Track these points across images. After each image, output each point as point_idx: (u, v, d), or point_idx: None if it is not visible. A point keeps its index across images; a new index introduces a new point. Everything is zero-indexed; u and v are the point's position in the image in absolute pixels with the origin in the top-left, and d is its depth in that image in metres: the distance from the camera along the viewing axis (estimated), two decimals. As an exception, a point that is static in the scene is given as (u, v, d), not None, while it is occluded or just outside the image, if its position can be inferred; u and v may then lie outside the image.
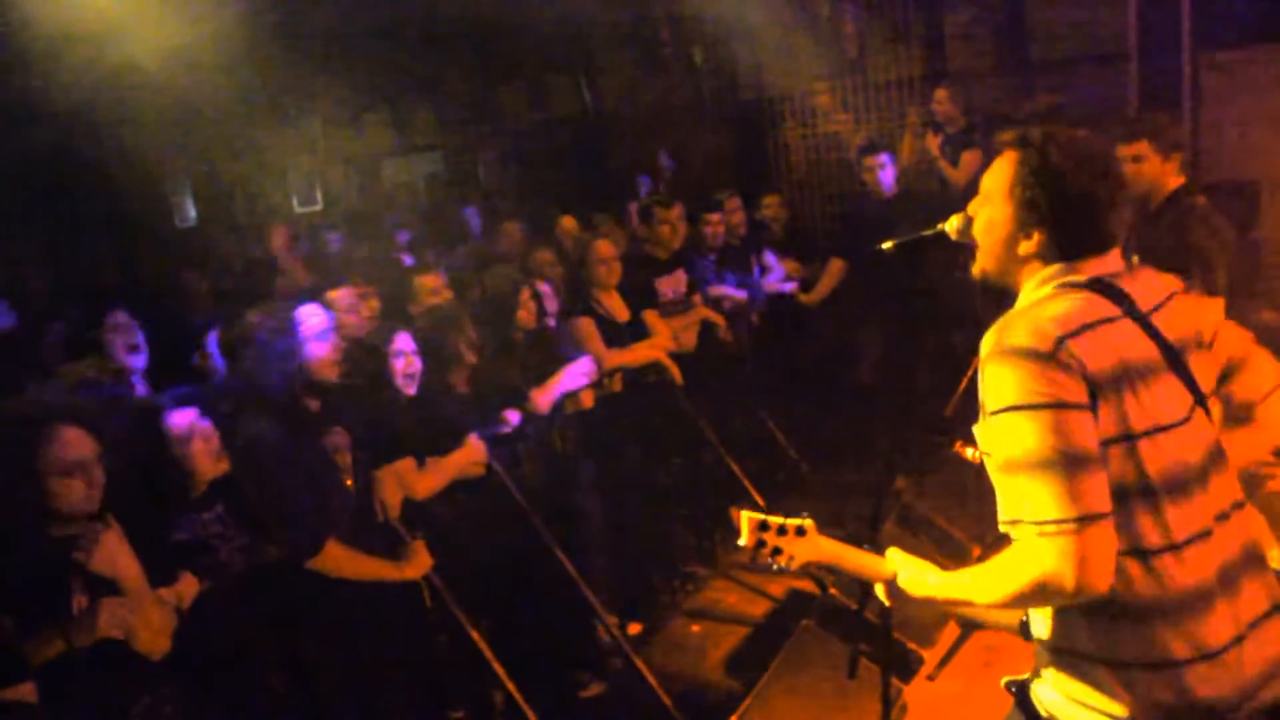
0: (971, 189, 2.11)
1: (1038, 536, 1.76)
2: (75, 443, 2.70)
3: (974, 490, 5.23)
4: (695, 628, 5.04)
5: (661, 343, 5.35)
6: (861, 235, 5.92)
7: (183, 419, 3.18)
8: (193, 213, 11.57)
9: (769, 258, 6.59)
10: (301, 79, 8.77)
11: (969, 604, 1.96)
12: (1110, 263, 1.95)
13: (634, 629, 4.89)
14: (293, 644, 3.39)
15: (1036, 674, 2.01)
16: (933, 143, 6.88)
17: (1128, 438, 1.81)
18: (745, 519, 2.25)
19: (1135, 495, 1.81)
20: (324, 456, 3.59)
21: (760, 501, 5.39)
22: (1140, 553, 1.82)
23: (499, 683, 3.86)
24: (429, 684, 3.97)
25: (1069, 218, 1.91)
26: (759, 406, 6.25)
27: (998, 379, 1.82)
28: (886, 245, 2.68)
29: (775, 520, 2.23)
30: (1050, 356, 1.78)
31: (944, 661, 3.29)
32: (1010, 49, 7.89)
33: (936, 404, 4.94)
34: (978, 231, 2.06)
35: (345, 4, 8.26)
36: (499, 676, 3.84)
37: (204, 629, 3.01)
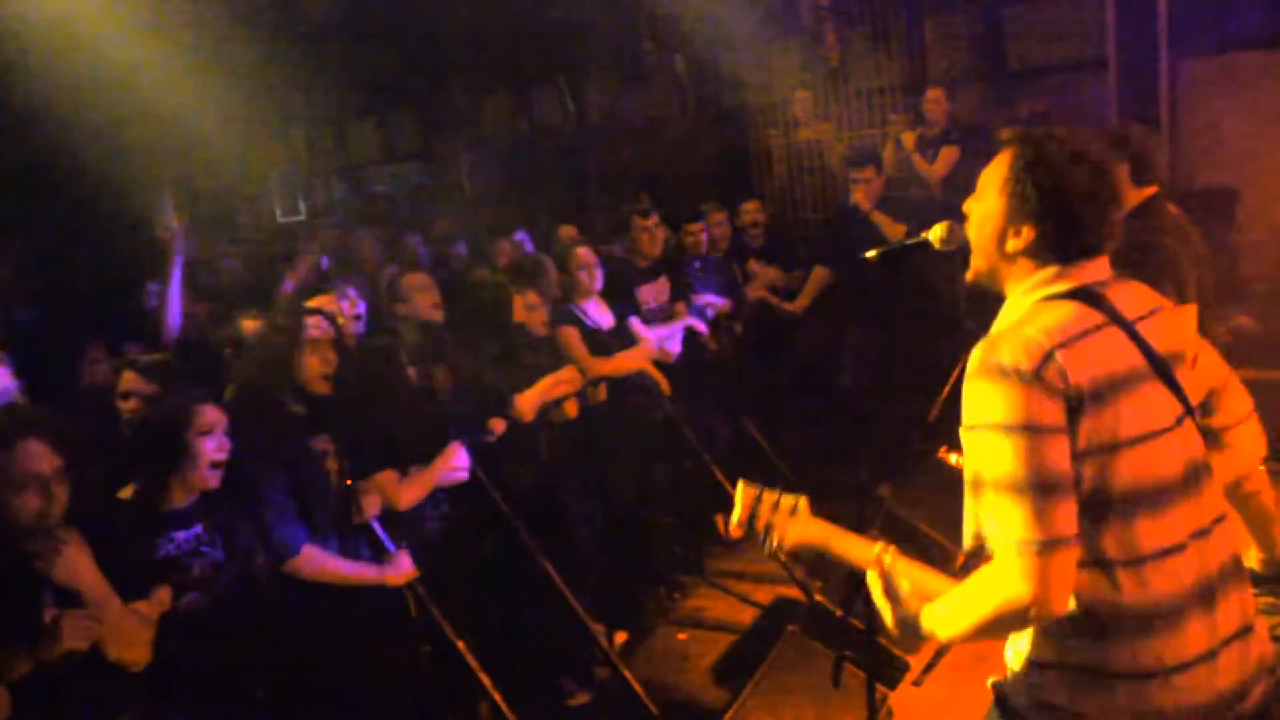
0: (949, 187, 2.12)
1: (1001, 555, 1.77)
2: (34, 456, 2.66)
3: (959, 496, 5.26)
4: (681, 635, 5.04)
5: (646, 351, 5.35)
6: (845, 242, 5.95)
7: (215, 414, 3.17)
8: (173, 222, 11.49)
9: (753, 265, 6.61)
10: (286, 87, 8.75)
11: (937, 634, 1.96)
12: (1099, 269, 1.94)
13: (620, 637, 4.88)
14: (277, 656, 3.37)
15: (1009, 677, 2.01)
16: (909, 139, 6.92)
17: (1109, 448, 1.80)
18: (740, 490, 2.26)
19: (1109, 505, 1.81)
20: (310, 461, 3.59)
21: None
22: (1107, 564, 1.82)
23: (485, 692, 3.85)
24: (414, 694, 3.95)
25: (1060, 214, 1.89)
26: (743, 414, 6.26)
27: (979, 395, 1.82)
28: (870, 254, 2.69)
29: (770, 495, 2.24)
30: (1034, 376, 1.77)
31: (929, 666, 3.29)
32: (990, 57, 7.95)
33: (920, 410, 4.96)
34: (971, 229, 2.05)
35: (330, 13, 8.25)
36: (485, 686, 3.83)
37: (187, 642, 2.99)
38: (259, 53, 8.05)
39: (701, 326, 5.91)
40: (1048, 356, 1.78)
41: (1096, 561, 1.82)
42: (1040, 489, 1.75)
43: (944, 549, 4.61)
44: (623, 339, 5.32)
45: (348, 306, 4.59)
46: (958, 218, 2.71)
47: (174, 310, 4.56)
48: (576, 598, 4.34)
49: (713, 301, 6.14)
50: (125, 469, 3.19)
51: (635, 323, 5.45)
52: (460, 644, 3.80)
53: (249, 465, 3.34)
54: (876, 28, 7.83)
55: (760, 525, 2.23)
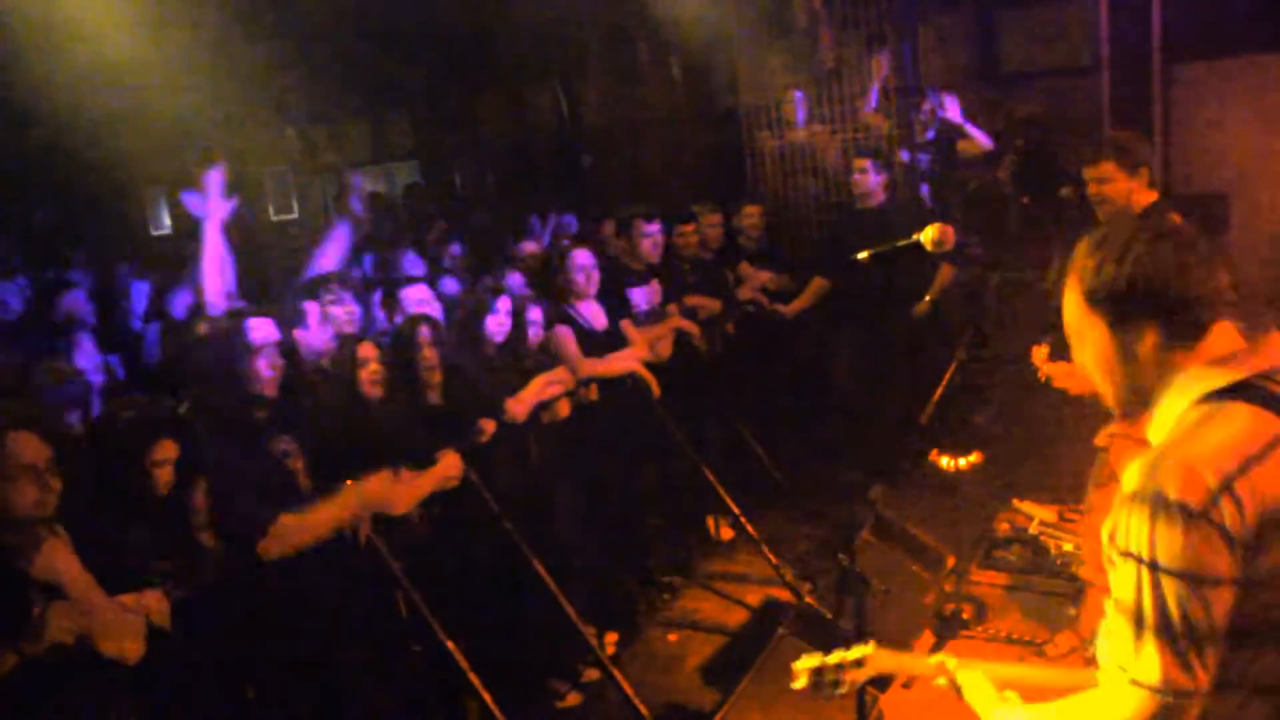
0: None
1: (1132, 687, 1.67)
2: (26, 447, 2.64)
3: (949, 499, 5.27)
4: (672, 637, 5.03)
5: (638, 352, 5.35)
6: (845, 247, 5.94)
7: (171, 448, 3.15)
8: (167, 220, 11.51)
9: (744, 268, 6.61)
10: (279, 87, 8.74)
11: None
12: (1269, 352, 1.76)
13: (610, 639, 4.87)
14: (266, 655, 3.36)
15: None
16: (953, 108, 6.87)
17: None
18: (803, 671, 2.25)
19: (1260, 636, 1.68)
20: (272, 463, 3.57)
21: (735, 509, 5.39)
22: (1238, 687, 1.71)
23: (475, 693, 3.84)
24: (404, 694, 3.94)
25: (1169, 297, 1.74)
26: (734, 415, 6.26)
27: (1137, 525, 1.65)
28: (862, 255, 2.70)
29: (833, 661, 2.24)
30: (1201, 515, 1.60)
31: (919, 670, 3.30)
32: (984, 61, 7.98)
33: (913, 413, 4.98)
34: (1094, 379, 1.88)
35: (323, 13, 8.24)
36: (474, 687, 3.82)
37: (175, 640, 2.97)
38: (255, 52, 8.04)
39: (692, 328, 5.92)
40: (1221, 491, 1.60)
41: (1228, 684, 1.69)
42: (1189, 637, 1.62)
43: (934, 552, 4.62)
44: (615, 340, 5.32)
45: (343, 313, 4.56)
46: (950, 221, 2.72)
47: (210, 285, 4.33)
48: (567, 599, 4.33)
49: (704, 303, 6.15)
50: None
51: (627, 325, 5.46)
52: (450, 644, 3.79)
53: (206, 468, 3.33)
54: (871, 30, 7.84)
55: (828, 685, 2.25)
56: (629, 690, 4.26)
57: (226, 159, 4.54)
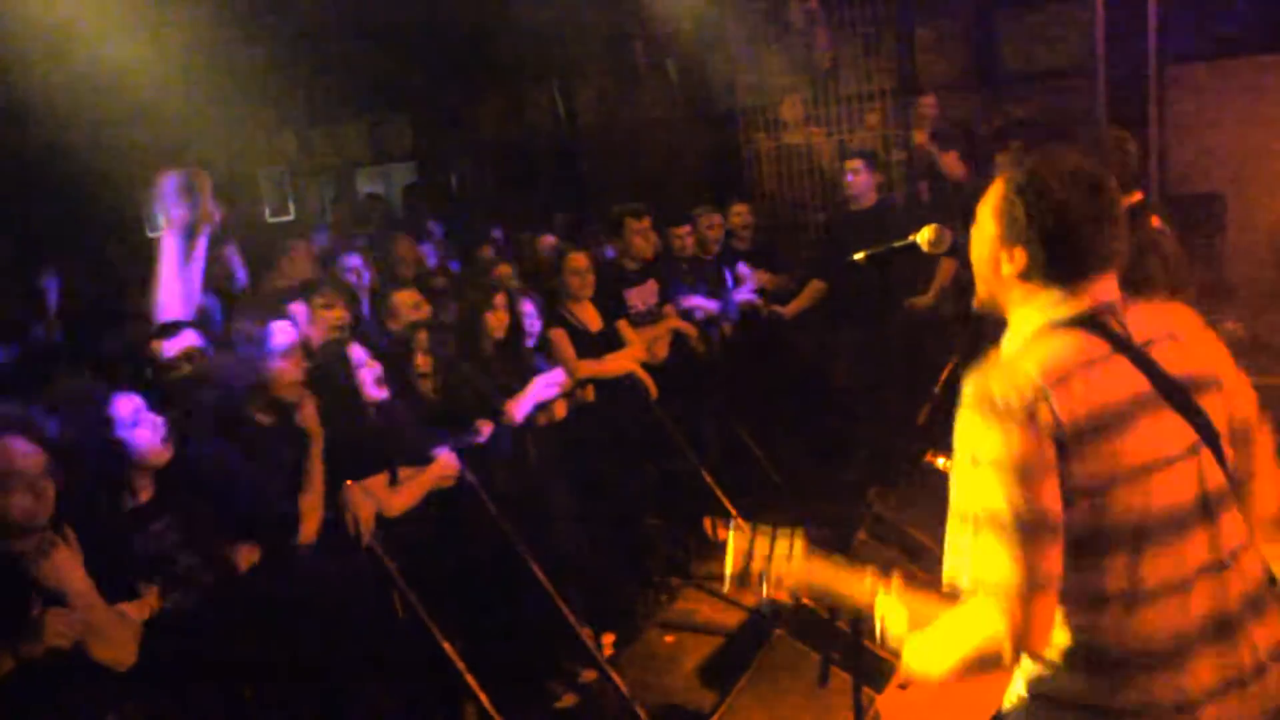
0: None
1: (983, 594, 1.76)
2: (18, 454, 2.64)
3: (946, 500, 5.27)
4: (669, 638, 5.03)
5: (634, 353, 5.35)
6: (841, 248, 5.95)
7: (128, 404, 3.10)
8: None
9: (742, 268, 6.61)
10: (275, 87, 8.73)
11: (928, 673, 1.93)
12: (1106, 290, 1.89)
13: (607, 640, 4.88)
14: (263, 656, 3.36)
15: (1012, 709, 1.98)
16: (921, 138, 6.91)
17: (1107, 483, 1.77)
18: (732, 539, 2.22)
19: (1107, 541, 1.78)
20: (277, 469, 3.57)
21: (733, 511, 5.39)
22: (1108, 600, 1.79)
23: (472, 694, 3.84)
24: (401, 695, 3.94)
25: (1052, 235, 1.85)
26: (732, 416, 6.26)
27: (971, 428, 1.81)
28: (859, 256, 2.71)
29: (763, 541, 2.18)
30: (1023, 415, 1.75)
31: (916, 670, 3.30)
32: (980, 62, 7.99)
33: (910, 413, 4.97)
34: (973, 257, 2.02)
35: (323, 13, 8.24)
36: (471, 688, 3.82)
37: (172, 641, 2.98)
38: (254, 52, 8.04)
39: (689, 329, 5.92)
40: (1040, 395, 1.76)
41: (1097, 598, 1.79)
42: (1028, 530, 1.72)
43: (931, 554, 4.62)
44: (611, 341, 5.32)
45: (333, 317, 4.55)
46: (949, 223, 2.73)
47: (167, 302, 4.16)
48: (564, 600, 4.33)
49: (701, 304, 6.15)
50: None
51: (624, 325, 5.46)
52: (447, 646, 3.79)
53: (215, 471, 3.34)
54: (868, 32, 7.84)
55: (756, 573, 2.19)
56: (626, 691, 4.26)
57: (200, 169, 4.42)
